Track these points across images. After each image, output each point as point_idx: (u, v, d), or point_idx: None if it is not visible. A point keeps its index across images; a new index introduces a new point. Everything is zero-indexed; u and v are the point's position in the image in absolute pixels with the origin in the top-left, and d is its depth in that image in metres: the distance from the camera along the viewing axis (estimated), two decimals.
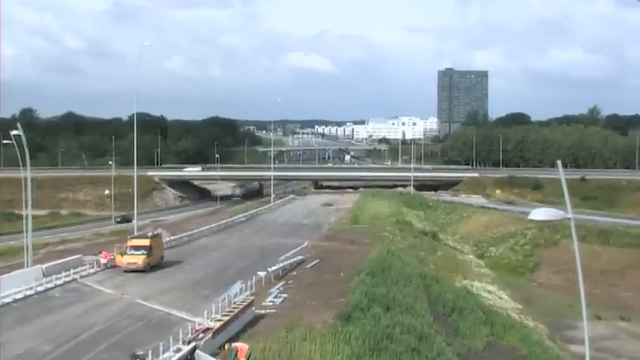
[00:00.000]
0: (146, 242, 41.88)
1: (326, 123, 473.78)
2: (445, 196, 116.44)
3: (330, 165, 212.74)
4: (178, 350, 21.83)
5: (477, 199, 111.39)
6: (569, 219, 14.65)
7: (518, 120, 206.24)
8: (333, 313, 27.08)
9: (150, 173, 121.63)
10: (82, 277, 38.73)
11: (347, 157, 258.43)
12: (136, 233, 48.06)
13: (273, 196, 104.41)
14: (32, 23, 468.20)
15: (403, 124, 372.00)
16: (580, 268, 15.13)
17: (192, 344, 22.24)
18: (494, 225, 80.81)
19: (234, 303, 28.43)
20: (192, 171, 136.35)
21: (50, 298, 33.80)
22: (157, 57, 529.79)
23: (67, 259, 41.59)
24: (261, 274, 36.26)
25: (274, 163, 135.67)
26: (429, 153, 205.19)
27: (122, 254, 41.20)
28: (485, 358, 28.72)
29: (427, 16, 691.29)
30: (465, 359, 27.34)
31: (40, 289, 34.83)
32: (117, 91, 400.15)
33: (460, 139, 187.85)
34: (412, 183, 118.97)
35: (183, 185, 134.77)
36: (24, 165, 42.76)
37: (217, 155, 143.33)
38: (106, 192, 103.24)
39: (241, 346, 21.68)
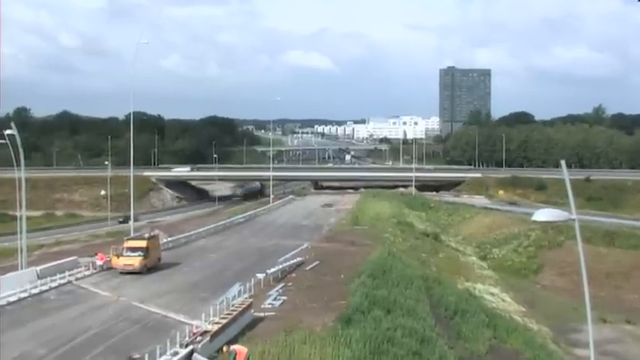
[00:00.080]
0: (143, 244, 41.60)
1: (326, 122, 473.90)
2: (447, 196, 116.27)
3: (330, 165, 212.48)
4: (176, 354, 21.73)
5: (479, 200, 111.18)
6: (574, 220, 14.54)
7: (521, 119, 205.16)
8: (333, 316, 26.86)
9: (146, 173, 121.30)
10: (77, 279, 38.55)
11: (347, 157, 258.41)
12: (132, 234, 47.86)
13: (272, 196, 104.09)
14: (27, 21, 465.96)
15: (404, 123, 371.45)
16: (585, 270, 15.00)
17: (190, 348, 22.09)
18: (497, 226, 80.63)
19: (233, 305, 28.25)
20: (181, 171, 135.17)
21: (45, 300, 33.67)
22: (153, 55, 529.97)
23: (62, 260, 41.49)
24: (260, 276, 36.02)
25: (273, 163, 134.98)
26: (430, 153, 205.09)
27: (118, 256, 40.91)
28: None
29: (429, 13, 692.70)
30: None
31: (34, 291, 34.64)
32: (113, 89, 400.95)
33: (462, 139, 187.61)
34: (414, 183, 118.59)
35: (181, 186, 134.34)
36: (18, 165, 42.47)
37: (215, 155, 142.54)
38: (102, 192, 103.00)
39: (240, 349, 21.58)
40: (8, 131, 40.18)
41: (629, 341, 42.54)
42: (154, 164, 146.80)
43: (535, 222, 15.24)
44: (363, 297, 29.25)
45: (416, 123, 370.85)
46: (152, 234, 46.86)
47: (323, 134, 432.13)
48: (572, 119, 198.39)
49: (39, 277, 36.53)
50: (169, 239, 54.95)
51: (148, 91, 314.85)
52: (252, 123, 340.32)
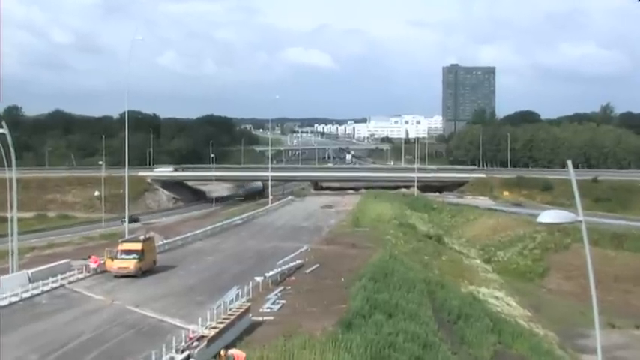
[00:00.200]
0: (138, 246, 41.39)
1: (326, 121, 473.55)
2: (450, 197, 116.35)
3: (330, 165, 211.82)
4: (172, 359, 21.74)
5: (483, 201, 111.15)
6: (581, 222, 14.20)
7: (527, 118, 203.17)
8: (333, 320, 26.69)
9: (142, 174, 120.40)
10: (70, 282, 38.46)
11: (348, 157, 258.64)
12: (127, 236, 47.84)
13: (270, 197, 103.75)
14: (18, 17, 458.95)
15: (406, 122, 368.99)
16: (592, 273, 14.71)
17: (186, 353, 22.02)
18: (501, 228, 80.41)
19: (230, 309, 28.13)
20: (163, 172, 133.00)
21: (37, 304, 33.70)
22: (149, 52, 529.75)
23: (54, 263, 41.36)
24: (258, 279, 35.75)
25: (272, 163, 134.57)
26: (433, 153, 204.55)
27: (113, 258, 40.67)
28: None
29: (431, 9, 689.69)
30: None
31: (25, 295, 34.58)
32: (107, 87, 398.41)
33: (466, 139, 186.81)
34: (416, 184, 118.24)
35: (177, 186, 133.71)
36: (9, 165, 42.01)
37: (212, 155, 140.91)
38: (96, 193, 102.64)
39: (238, 353, 21.61)
40: None
41: (639, 347, 42.23)
42: (150, 164, 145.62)
43: (541, 224, 15.04)
44: (364, 301, 29.08)
45: (418, 122, 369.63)
46: (147, 236, 46.87)
47: (323, 134, 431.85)
48: (579, 118, 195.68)
49: (31, 281, 36.36)
50: (165, 241, 54.74)
51: (143, 89, 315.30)
52: (250, 122, 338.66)
